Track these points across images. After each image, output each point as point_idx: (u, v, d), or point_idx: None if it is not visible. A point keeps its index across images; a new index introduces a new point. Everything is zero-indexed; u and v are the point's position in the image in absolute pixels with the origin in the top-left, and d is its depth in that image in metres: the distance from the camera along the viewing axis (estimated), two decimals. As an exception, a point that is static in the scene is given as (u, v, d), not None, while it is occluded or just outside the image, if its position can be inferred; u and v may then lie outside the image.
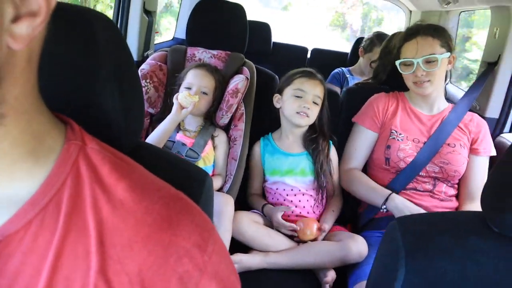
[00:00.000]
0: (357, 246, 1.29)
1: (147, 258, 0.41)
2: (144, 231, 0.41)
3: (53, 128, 0.44)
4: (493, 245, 0.65)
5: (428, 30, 1.38)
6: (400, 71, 1.43)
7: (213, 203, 0.73)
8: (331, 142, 1.54)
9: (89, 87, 0.55)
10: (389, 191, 1.36)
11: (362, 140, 1.49)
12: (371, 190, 1.41)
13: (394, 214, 1.33)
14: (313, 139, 1.49)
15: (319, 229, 1.37)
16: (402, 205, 1.32)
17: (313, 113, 1.46)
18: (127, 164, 0.47)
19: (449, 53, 1.37)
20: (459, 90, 2.22)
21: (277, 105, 1.51)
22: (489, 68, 1.76)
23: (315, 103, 1.45)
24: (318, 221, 1.42)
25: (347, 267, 1.31)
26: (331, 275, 1.28)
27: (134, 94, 0.62)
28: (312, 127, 1.51)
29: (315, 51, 3.06)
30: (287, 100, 1.47)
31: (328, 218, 1.43)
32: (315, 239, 1.35)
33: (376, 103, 1.50)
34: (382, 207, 1.35)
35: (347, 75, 2.39)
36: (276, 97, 1.51)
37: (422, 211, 1.33)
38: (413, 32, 1.40)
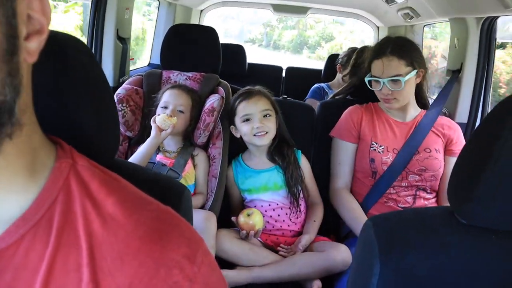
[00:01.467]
0: (341, 255, 1.31)
1: (138, 270, 0.41)
2: (134, 244, 0.42)
3: (45, 146, 0.46)
4: (462, 236, 0.68)
5: (394, 50, 1.41)
6: (370, 88, 1.49)
7: (192, 215, 0.74)
8: (299, 151, 1.56)
9: (63, 107, 0.57)
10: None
11: (344, 153, 1.53)
12: (352, 219, 1.43)
13: None
14: (278, 150, 1.51)
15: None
16: None
17: (269, 126, 1.46)
18: (115, 180, 0.49)
19: (415, 71, 1.41)
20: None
21: (236, 135, 1.53)
22: (454, 75, 1.85)
23: (266, 116, 1.46)
24: (301, 233, 1.44)
25: (333, 276, 1.32)
26: (317, 285, 1.28)
27: (108, 113, 0.64)
28: (274, 138, 1.52)
29: (290, 70, 3.14)
30: (239, 128, 1.49)
31: (310, 229, 1.44)
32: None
33: (350, 115, 1.55)
34: None
35: (327, 90, 2.46)
36: (233, 128, 1.53)
37: None
38: (381, 51, 1.43)
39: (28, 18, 0.38)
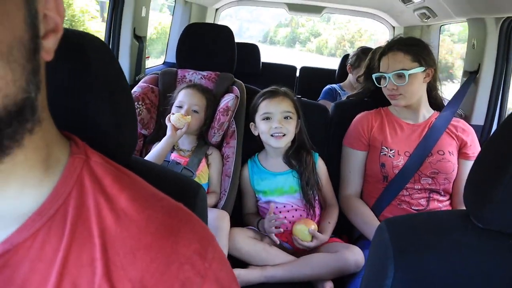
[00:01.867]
0: (354, 257, 1.30)
1: (149, 265, 0.42)
2: (146, 239, 0.43)
3: (59, 141, 0.47)
4: (478, 240, 0.67)
5: (401, 45, 1.42)
6: (377, 84, 1.49)
7: (207, 214, 0.75)
8: (317, 154, 1.55)
9: (82, 105, 0.58)
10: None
11: (354, 162, 1.53)
12: (364, 224, 1.44)
13: None
14: (296, 155, 1.50)
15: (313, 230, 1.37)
16: None
17: (289, 129, 1.45)
18: (128, 177, 0.50)
19: (422, 68, 1.40)
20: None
21: (255, 133, 1.53)
22: (471, 76, 1.82)
23: (286, 118, 1.46)
24: None
25: (345, 277, 1.32)
26: (329, 286, 1.28)
27: (126, 111, 0.65)
28: (292, 142, 1.52)
29: (304, 69, 3.13)
30: (259, 126, 1.49)
31: (325, 229, 1.44)
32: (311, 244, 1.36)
33: (360, 123, 1.54)
34: None
35: (339, 91, 2.45)
36: (252, 125, 1.53)
37: None
38: (388, 47, 1.45)
39: (45, 17, 0.40)
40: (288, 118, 1.46)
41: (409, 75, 1.38)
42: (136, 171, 0.71)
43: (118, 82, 0.64)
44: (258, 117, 1.49)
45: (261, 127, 1.48)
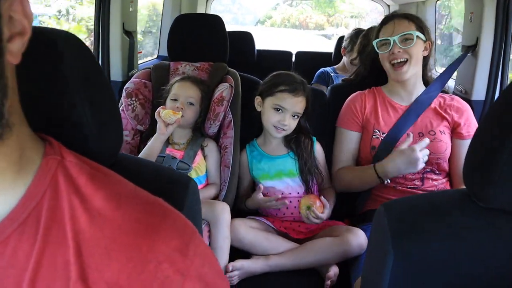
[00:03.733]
0: (356, 239, 1.29)
1: (125, 265, 0.41)
2: (121, 238, 0.42)
3: (33, 143, 0.46)
4: (479, 219, 0.65)
5: (404, 15, 1.45)
6: (378, 51, 1.45)
7: (200, 206, 0.74)
8: (314, 138, 1.54)
9: (61, 104, 0.56)
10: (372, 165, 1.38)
11: (348, 142, 1.51)
12: (361, 175, 1.42)
13: (392, 175, 1.35)
14: (295, 138, 1.49)
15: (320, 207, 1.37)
16: (392, 168, 1.33)
17: (291, 126, 1.45)
18: (104, 175, 0.48)
19: (424, 38, 1.41)
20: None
21: (258, 108, 1.50)
22: (467, 51, 1.78)
23: (294, 116, 1.44)
24: None
25: (348, 260, 1.31)
26: (333, 271, 1.27)
27: (107, 108, 0.63)
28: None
29: (300, 54, 3.09)
30: (266, 110, 1.46)
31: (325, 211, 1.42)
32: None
33: (353, 103, 1.51)
34: (386, 181, 1.36)
35: (332, 74, 2.42)
36: (257, 99, 1.49)
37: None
38: (390, 16, 1.46)
39: (10, 19, 0.38)
40: (296, 117, 1.45)
41: (417, 37, 1.38)
42: (124, 168, 0.69)
43: (97, 80, 0.62)
44: (269, 102, 1.45)
45: (267, 114, 1.45)
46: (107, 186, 0.46)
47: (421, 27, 1.42)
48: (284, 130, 1.44)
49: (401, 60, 1.39)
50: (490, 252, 0.63)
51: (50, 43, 0.56)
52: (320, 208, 1.37)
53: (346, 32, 2.60)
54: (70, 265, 0.40)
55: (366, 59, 1.58)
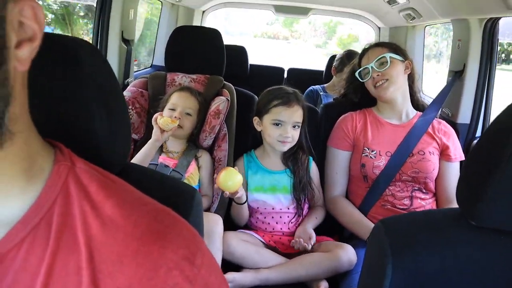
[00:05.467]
0: (346, 255, 1.31)
1: (137, 271, 0.42)
2: (133, 245, 0.43)
3: (43, 150, 0.46)
4: (472, 237, 0.68)
5: (376, 44, 1.59)
6: (362, 81, 1.54)
7: (202, 218, 0.75)
8: (311, 158, 1.56)
9: (75, 111, 0.57)
10: (372, 224, 1.39)
11: (340, 162, 1.55)
12: (355, 224, 1.46)
13: None
14: (293, 154, 1.52)
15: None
16: None
17: (295, 137, 1.47)
18: (113, 182, 0.49)
19: (401, 57, 1.50)
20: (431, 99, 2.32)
21: (258, 128, 1.51)
22: (455, 76, 1.85)
23: (295, 127, 1.46)
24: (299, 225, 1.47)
25: (338, 276, 1.33)
26: (323, 285, 1.29)
27: (121, 117, 0.64)
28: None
29: (292, 71, 3.15)
30: (267, 127, 1.47)
31: (310, 222, 1.46)
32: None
33: (344, 123, 1.56)
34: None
35: (321, 93, 2.46)
36: (256, 120, 1.52)
37: None
38: (365, 49, 1.58)
39: (20, 25, 0.38)
40: (297, 127, 1.47)
41: (390, 57, 1.47)
42: (132, 176, 0.70)
43: (111, 87, 0.63)
44: (267, 119, 1.47)
45: (269, 131, 1.46)
46: (117, 193, 0.47)
47: (395, 49, 1.52)
48: (288, 142, 1.46)
49: (382, 82, 1.47)
50: (483, 269, 0.66)
51: (68, 51, 0.57)
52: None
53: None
54: (82, 270, 0.41)
55: (355, 85, 1.63)
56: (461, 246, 0.68)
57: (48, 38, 0.58)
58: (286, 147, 1.48)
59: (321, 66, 3.07)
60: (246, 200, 1.45)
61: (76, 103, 0.58)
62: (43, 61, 0.55)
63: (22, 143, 0.42)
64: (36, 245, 0.41)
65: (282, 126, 1.45)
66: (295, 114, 1.45)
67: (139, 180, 0.71)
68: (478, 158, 0.69)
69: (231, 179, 1.31)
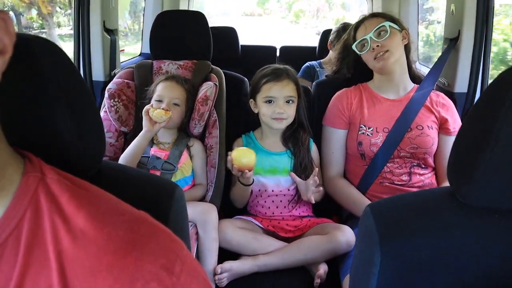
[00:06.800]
0: (344, 237, 1.30)
1: (112, 285, 0.40)
2: (107, 258, 0.41)
3: (12, 161, 0.44)
4: (464, 217, 0.66)
5: (372, 14, 1.52)
6: (359, 53, 1.48)
7: (186, 213, 0.73)
8: (311, 139, 1.53)
9: (39, 113, 0.54)
10: (368, 202, 1.36)
11: (336, 141, 1.51)
12: (352, 203, 1.44)
13: None
14: (293, 134, 1.49)
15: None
16: None
17: (289, 113, 1.44)
18: (87, 191, 0.47)
19: (398, 27, 1.44)
20: (428, 69, 2.26)
21: (255, 111, 1.49)
22: (451, 44, 1.79)
23: (288, 102, 1.43)
24: (302, 217, 1.45)
25: (337, 257, 1.32)
26: (323, 268, 1.28)
27: (88, 116, 0.61)
28: (292, 122, 1.49)
29: (284, 49, 3.08)
30: (260, 107, 1.46)
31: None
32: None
33: (339, 101, 1.52)
34: None
35: (317, 68, 2.41)
36: (252, 102, 1.50)
37: None
38: (360, 20, 1.51)
39: None
40: (290, 102, 1.44)
41: (389, 26, 1.42)
42: (108, 176, 0.68)
43: (76, 87, 0.60)
44: (259, 98, 1.45)
45: (262, 109, 1.45)
46: (90, 203, 0.45)
47: (391, 18, 1.46)
48: (283, 118, 1.43)
49: (382, 53, 1.41)
50: (477, 250, 0.64)
51: (26, 50, 0.54)
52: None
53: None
54: (53, 287, 0.39)
55: (349, 59, 1.57)
56: (453, 227, 0.65)
57: None
58: (283, 124, 1.45)
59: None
60: (253, 181, 1.43)
61: (38, 105, 0.55)
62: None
63: None
64: (4, 262, 0.39)
65: (274, 103, 1.42)
66: (285, 88, 1.42)
67: (117, 180, 0.69)
68: (467, 135, 0.66)
69: (246, 156, 1.32)
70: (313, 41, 3.15)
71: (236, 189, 1.45)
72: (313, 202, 1.40)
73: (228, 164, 1.35)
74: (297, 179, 1.42)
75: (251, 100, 1.50)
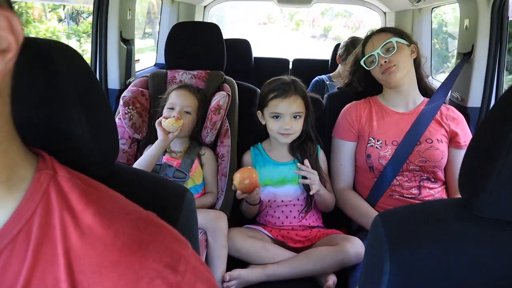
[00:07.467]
0: (354, 248, 1.29)
1: (117, 282, 0.41)
2: (113, 255, 0.42)
3: (25, 159, 0.45)
4: (475, 229, 0.65)
5: (380, 29, 1.52)
6: (368, 69, 1.48)
7: (195, 217, 0.73)
8: (319, 146, 1.53)
9: (55, 116, 0.56)
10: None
11: (345, 153, 1.51)
12: (360, 216, 1.43)
13: None
14: (300, 145, 1.49)
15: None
16: None
17: (296, 128, 1.43)
18: (96, 190, 0.48)
19: (407, 42, 1.44)
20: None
21: (262, 122, 1.49)
22: (464, 58, 1.79)
23: (295, 117, 1.43)
24: (312, 227, 1.44)
25: (346, 269, 1.31)
26: (332, 279, 1.27)
27: (103, 119, 0.63)
28: (300, 134, 1.49)
29: (296, 62, 3.11)
30: (267, 121, 1.46)
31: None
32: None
33: (348, 113, 1.52)
34: None
35: (327, 82, 2.42)
36: (259, 114, 1.50)
37: None
38: (368, 36, 1.52)
39: None
40: (298, 117, 1.44)
41: (396, 42, 1.42)
42: (120, 179, 0.69)
43: (91, 90, 0.62)
44: (267, 112, 1.45)
45: (269, 124, 1.45)
46: (99, 202, 0.46)
47: (399, 33, 1.46)
48: (290, 134, 1.43)
49: (390, 65, 1.41)
50: (487, 262, 0.63)
51: (44, 54, 0.56)
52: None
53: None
54: (60, 282, 0.40)
55: (359, 73, 1.58)
56: (463, 239, 0.65)
57: (25, 41, 0.57)
58: (289, 139, 1.45)
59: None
60: (260, 201, 1.43)
61: (54, 108, 0.57)
62: (17, 65, 0.54)
63: (2, 154, 0.41)
64: (14, 257, 0.40)
65: (281, 119, 1.42)
66: (293, 105, 1.42)
67: (128, 182, 0.70)
68: (478, 146, 0.65)
69: (247, 177, 1.31)
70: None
71: (243, 206, 1.46)
72: (316, 190, 1.38)
73: (233, 188, 1.35)
74: (303, 167, 1.39)
75: (259, 111, 1.50)
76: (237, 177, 1.31)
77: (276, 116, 1.43)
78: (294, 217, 1.46)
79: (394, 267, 0.63)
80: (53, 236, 0.42)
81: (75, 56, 0.60)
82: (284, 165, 1.49)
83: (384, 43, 1.42)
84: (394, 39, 1.42)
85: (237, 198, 1.36)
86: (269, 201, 1.47)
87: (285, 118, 1.41)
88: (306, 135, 1.50)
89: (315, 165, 1.47)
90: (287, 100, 1.41)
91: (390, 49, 1.42)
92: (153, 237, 0.44)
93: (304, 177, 1.42)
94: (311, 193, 1.39)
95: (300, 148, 1.49)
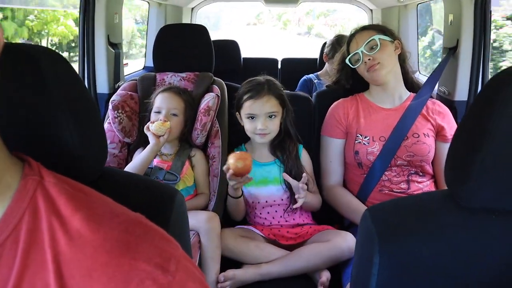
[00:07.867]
0: (346, 243, 1.30)
1: (107, 284, 0.41)
2: (102, 258, 0.42)
3: (11, 166, 0.45)
4: (462, 219, 0.67)
5: (362, 27, 1.53)
6: (353, 67, 1.50)
7: (186, 219, 0.74)
8: (301, 146, 1.54)
9: (42, 121, 0.56)
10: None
11: (334, 151, 1.52)
12: (351, 212, 1.44)
13: None
14: (280, 144, 1.49)
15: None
16: None
17: (272, 128, 1.44)
18: (84, 195, 0.48)
19: (389, 38, 1.46)
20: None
21: (241, 123, 1.50)
22: (449, 53, 1.81)
23: (270, 117, 1.43)
24: (300, 224, 1.45)
25: (340, 264, 1.32)
26: (325, 276, 1.28)
27: (90, 123, 0.63)
28: (279, 132, 1.49)
29: (285, 61, 3.12)
30: (244, 122, 1.47)
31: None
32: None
33: (336, 111, 1.54)
34: None
35: (315, 81, 2.43)
36: (238, 116, 1.51)
37: None
38: (351, 35, 1.53)
39: None
40: (273, 116, 1.44)
41: (379, 39, 1.43)
42: (110, 182, 0.69)
43: (79, 95, 0.62)
44: (243, 113, 1.46)
45: (246, 125, 1.46)
46: (87, 206, 0.46)
47: (382, 30, 1.47)
48: (265, 134, 1.43)
49: (374, 63, 1.43)
50: (475, 250, 0.64)
51: (31, 60, 0.56)
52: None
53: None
54: (50, 287, 0.40)
55: (346, 70, 1.59)
56: (451, 229, 0.66)
57: (7, 47, 0.57)
58: (265, 139, 1.46)
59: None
60: (242, 194, 1.44)
61: (42, 113, 0.57)
62: (4, 71, 0.54)
63: None
64: (2, 264, 0.40)
65: (256, 119, 1.43)
66: (266, 105, 1.42)
67: (118, 185, 0.70)
68: (462, 137, 0.67)
69: (241, 159, 1.29)
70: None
71: (229, 203, 1.46)
72: (299, 205, 1.36)
73: (224, 167, 1.34)
74: (290, 179, 1.39)
75: (237, 113, 1.51)
76: (233, 156, 1.31)
77: (251, 117, 1.43)
78: (281, 217, 1.47)
79: (384, 259, 0.64)
80: (41, 242, 0.42)
81: (61, 61, 0.60)
82: (265, 165, 1.50)
83: (367, 41, 1.44)
84: (377, 36, 1.43)
85: (227, 179, 1.34)
86: (252, 202, 1.48)
87: (259, 118, 1.42)
88: (284, 133, 1.50)
89: (295, 164, 1.47)
90: (260, 101, 1.42)
91: (374, 46, 1.43)
92: (142, 238, 0.44)
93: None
94: (294, 206, 1.38)
95: (280, 147, 1.49)
